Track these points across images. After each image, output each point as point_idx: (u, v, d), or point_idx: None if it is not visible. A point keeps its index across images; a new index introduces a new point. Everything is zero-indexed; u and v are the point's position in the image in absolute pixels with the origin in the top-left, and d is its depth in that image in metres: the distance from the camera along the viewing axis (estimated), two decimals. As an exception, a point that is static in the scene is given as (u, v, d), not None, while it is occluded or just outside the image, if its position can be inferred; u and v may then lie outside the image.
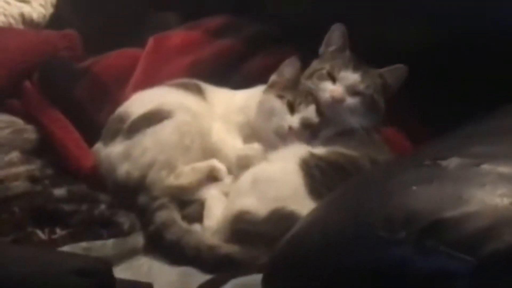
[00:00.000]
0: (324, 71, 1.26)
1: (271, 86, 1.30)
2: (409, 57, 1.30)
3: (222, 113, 1.33)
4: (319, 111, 1.26)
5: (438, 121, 1.26)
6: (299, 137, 1.24)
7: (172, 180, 1.24)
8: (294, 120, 1.25)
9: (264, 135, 1.27)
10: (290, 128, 1.24)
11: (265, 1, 1.57)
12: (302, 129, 1.25)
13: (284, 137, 1.25)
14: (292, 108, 1.25)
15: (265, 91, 1.30)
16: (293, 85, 1.28)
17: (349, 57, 1.27)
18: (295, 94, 1.26)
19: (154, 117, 1.28)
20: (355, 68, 1.25)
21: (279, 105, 1.27)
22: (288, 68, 1.30)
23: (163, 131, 1.26)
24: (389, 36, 1.39)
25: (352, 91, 1.25)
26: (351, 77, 1.25)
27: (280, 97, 1.27)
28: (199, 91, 1.35)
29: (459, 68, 1.30)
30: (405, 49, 1.35)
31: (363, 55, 1.28)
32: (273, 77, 1.31)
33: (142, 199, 1.21)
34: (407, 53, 1.33)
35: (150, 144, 1.25)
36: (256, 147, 1.24)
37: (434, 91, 1.32)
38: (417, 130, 1.33)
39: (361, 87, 1.25)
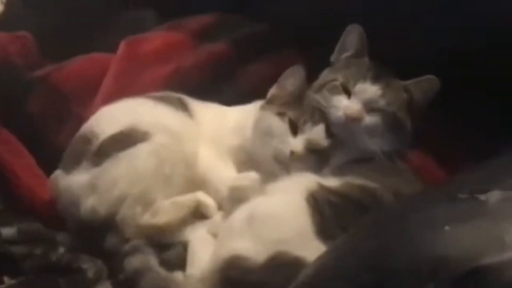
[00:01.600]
0: (337, 83, 1.26)
1: (270, 102, 1.30)
2: (438, 66, 1.33)
3: (211, 135, 1.33)
4: (329, 132, 1.25)
5: (477, 145, 1.29)
6: (304, 164, 1.25)
7: (148, 218, 1.24)
8: (297, 143, 1.26)
9: (262, 162, 1.27)
10: (293, 152, 1.24)
11: None
12: (307, 154, 1.26)
13: (285, 164, 1.25)
14: (295, 129, 1.26)
15: (262, 108, 1.30)
16: (297, 100, 1.29)
17: (367, 66, 1.27)
18: (299, 111, 1.27)
19: (126, 139, 1.27)
20: (375, 79, 1.25)
21: (279, 125, 1.28)
22: (290, 79, 1.30)
23: (138, 157, 1.25)
24: (413, 39, 1.42)
25: (371, 107, 1.24)
26: (370, 90, 1.25)
27: (281, 114, 1.27)
28: (183, 107, 1.35)
29: (501, 78, 1.32)
30: (433, 56, 1.38)
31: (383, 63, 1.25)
32: (272, 90, 1.31)
33: (111, 241, 1.21)
34: (435, 61, 1.36)
35: (122, 173, 1.24)
36: (252, 176, 1.23)
37: (472, 107, 1.35)
38: (450, 154, 1.35)
39: (382, 102, 1.25)
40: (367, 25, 1.34)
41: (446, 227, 0.83)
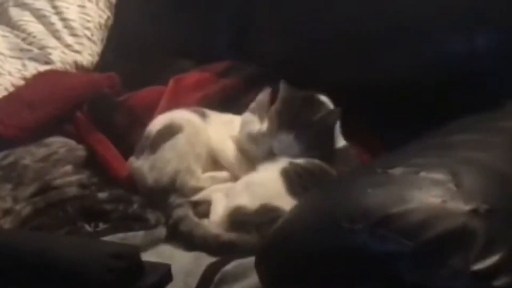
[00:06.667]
0: None
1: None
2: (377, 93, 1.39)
3: (219, 130, 1.35)
4: None
5: (391, 140, 1.24)
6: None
7: (194, 183, 1.28)
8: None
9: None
10: None
11: (260, 49, 1.62)
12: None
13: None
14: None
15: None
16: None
17: None
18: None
19: (168, 132, 1.32)
20: None
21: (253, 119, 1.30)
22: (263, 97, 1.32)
23: (178, 144, 1.30)
24: (364, 76, 1.44)
25: None
26: None
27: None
28: (203, 114, 1.39)
29: (411, 99, 1.35)
30: (378, 87, 1.41)
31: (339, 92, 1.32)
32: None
33: (172, 199, 1.25)
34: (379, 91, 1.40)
35: (170, 156, 1.29)
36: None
37: (391, 117, 1.38)
38: (374, 146, 1.36)
39: None
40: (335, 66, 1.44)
41: (369, 190, 0.83)
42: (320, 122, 1.23)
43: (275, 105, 1.25)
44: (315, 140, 1.22)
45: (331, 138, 1.25)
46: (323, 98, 1.28)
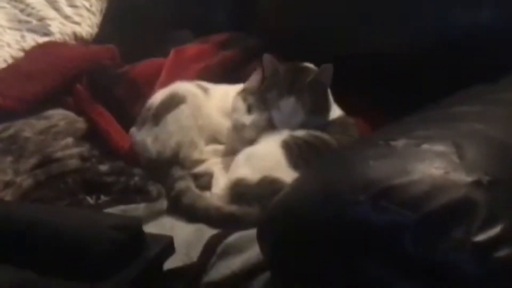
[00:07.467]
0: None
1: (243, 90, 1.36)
2: (382, 64, 1.38)
3: (219, 102, 1.37)
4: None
5: (391, 115, 1.22)
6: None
7: (197, 155, 1.29)
8: (247, 119, 1.28)
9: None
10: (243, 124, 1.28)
11: (258, 20, 1.62)
12: (252, 128, 1.27)
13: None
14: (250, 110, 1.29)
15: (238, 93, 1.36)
16: (255, 91, 1.30)
17: None
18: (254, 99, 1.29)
19: (171, 102, 1.33)
20: None
21: (241, 105, 1.30)
22: (255, 78, 1.33)
23: (182, 116, 1.31)
24: (367, 49, 1.42)
25: None
26: None
27: (244, 99, 1.30)
28: (202, 88, 1.40)
29: (413, 72, 1.35)
30: (381, 58, 1.39)
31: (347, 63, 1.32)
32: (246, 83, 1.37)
33: (174, 171, 1.26)
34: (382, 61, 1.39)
35: (174, 128, 1.30)
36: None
37: (395, 91, 1.36)
38: (376, 118, 1.34)
39: None
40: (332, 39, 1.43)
41: (371, 162, 0.82)
42: (315, 81, 1.23)
43: (268, 78, 1.24)
44: (315, 100, 1.22)
45: (328, 98, 1.25)
46: (307, 64, 1.27)
